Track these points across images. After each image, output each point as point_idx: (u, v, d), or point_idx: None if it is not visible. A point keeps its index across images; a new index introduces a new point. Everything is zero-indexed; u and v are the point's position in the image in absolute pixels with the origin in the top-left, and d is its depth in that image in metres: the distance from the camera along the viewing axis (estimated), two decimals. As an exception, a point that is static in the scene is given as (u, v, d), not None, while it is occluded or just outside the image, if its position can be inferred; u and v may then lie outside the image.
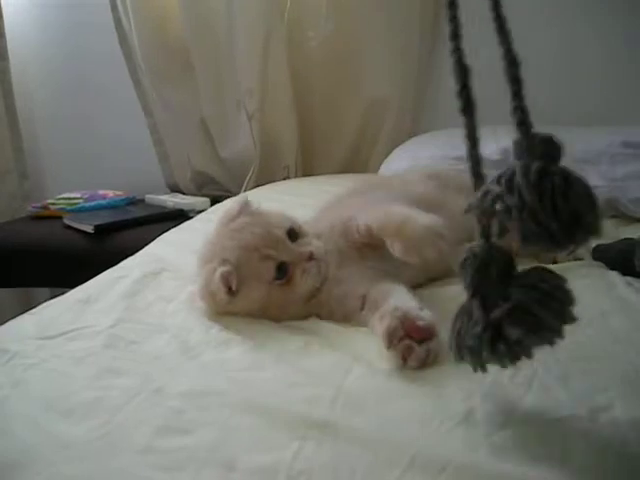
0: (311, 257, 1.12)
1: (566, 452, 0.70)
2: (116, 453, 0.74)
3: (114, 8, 2.75)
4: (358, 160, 2.78)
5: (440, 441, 0.73)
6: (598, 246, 1.38)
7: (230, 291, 1.09)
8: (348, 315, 1.11)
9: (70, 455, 0.74)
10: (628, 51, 2.39)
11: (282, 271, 1.11)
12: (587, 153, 1.91)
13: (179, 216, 2.44)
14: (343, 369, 0.91)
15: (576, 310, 1.10)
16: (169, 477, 0.69)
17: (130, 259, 1.52)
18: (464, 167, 1.87)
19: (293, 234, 1.15)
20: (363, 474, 0.67)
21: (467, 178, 1.55)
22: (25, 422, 0.82)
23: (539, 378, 0.87)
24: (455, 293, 1.19)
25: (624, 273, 1.25)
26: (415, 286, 1.19)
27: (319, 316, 1.13)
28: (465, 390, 0.84)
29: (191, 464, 0.71)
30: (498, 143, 1.98)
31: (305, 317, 1.13)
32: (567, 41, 2.46)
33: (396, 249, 1.06)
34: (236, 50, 2.64)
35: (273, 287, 1.11)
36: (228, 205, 1.23)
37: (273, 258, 1.11)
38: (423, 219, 1.06)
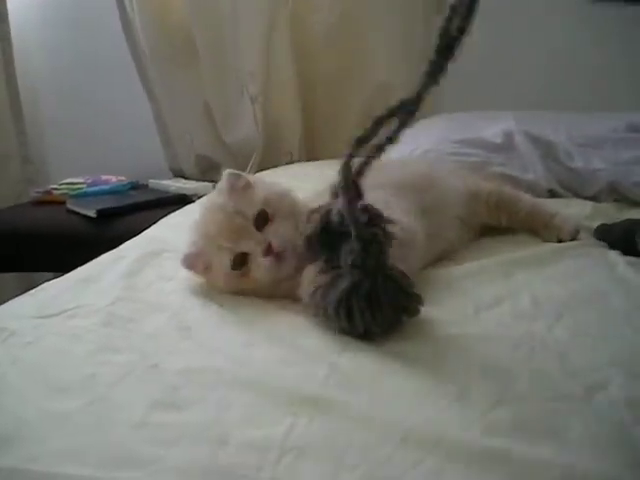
0: (269, 250, 1.08)
1: (561, 430, 0.70)
2: (110, 428, 0.74)
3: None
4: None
5: (434, 418, 0.73)
6: (600, 226, 1.38)
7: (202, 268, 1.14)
8: None
9: (64, 430, 0.74)
10: (633, 38, 2.38)
11: (238, 263, 1.10)
12: (590, 138, 1.90)
13: (182, 201, 2.42)
14: (337, 347, 0.91)
15: (577, 290, 1.11)
16: (162, 451, 0.69)
17: (131, 241, 1.52)
18: (466, 150, 1.89)
19: (262, 219, 1.11)
20: (356, 450, 0.67)
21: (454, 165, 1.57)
22: (21, 398, 0.83)
23: (536, 356, 0.87)
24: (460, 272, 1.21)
25: (625, 253, 1.25)
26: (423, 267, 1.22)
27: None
28: (460, 368, 0.84)
29: (184, 439, 0.71)
30: (501, 127, 1.98)
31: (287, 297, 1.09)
32: (573, 29, 2.45)
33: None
34: (240, 34, 2.63)
35: (233, 276, 1.11)
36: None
37: (229, 249, 1.10)
38: None
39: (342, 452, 0.67)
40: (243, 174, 1.18)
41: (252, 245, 1.09)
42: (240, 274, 1.11)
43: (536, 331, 0.95)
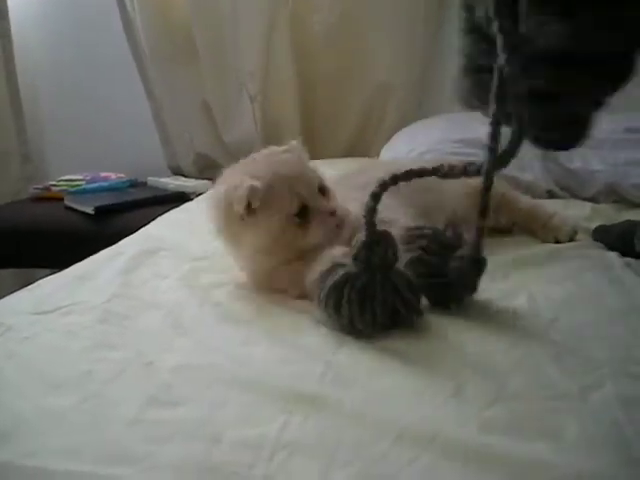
0: (333, 214, 1.12)
1: (556, 429, 0.70)
2: (104, 424, 0.74)
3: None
4: (361, 144, 2.77)
5: (429, 415, 0.73)
6: (598, 227, 1.38)
7: (249, 209, 1.08)
8: None
9: (59, 426, 0.74)
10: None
11: (303, 213, 1.11)
12: (589, 138, 1.90)
13: (180, 199, 2.40)
14: (334, 345, 0.91)
15: (574, 290, 1.11)
16: (156, 448, 0.69)
17: (128, 238, 1.52)
18: (465, 150, 1.89)
19: (323, 190, 1.15)
20: (350, 447, 0.67)
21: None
22: (16, 394, 0.83)
23: (532, 356, 0.87)
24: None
25: (623, 254, 1.25)
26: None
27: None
28: (456, 366, 0.84)
29: (178, 436, 0.71)
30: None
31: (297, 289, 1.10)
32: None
33: None
34: (240, 34, 2.63)
35: (289, 224, 1.11)
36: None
37: (302, 197, 1.11)
38: None
39: (336, 449, 0.67)
40: None
41: (321, 204, 1.12)
42: (298, 224, 1.11)
43: (533, 331, 0.95)
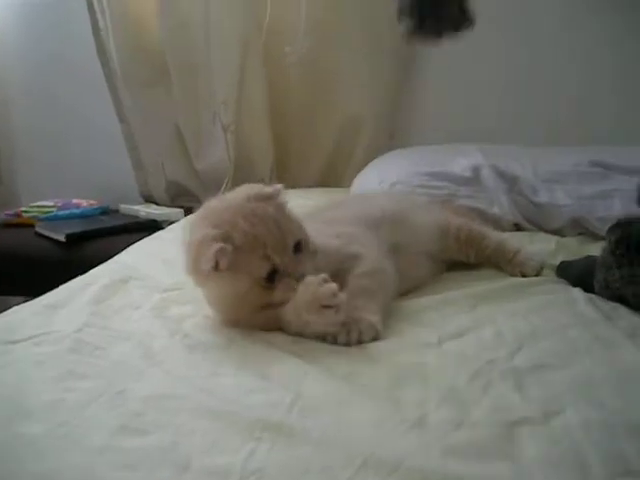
0: (301, 278, 1.08)
1: (518, 453, 0.72)
2: (74, 451, 0.75)
3: (91, 12, 2.75)
4: (333, 175, 2.78)
5: (393, 443, 0.75)
6: (562, 263, 1.41)
7: (216, 267, 1.06)
8: None
9: (27, 453, 0.75)
10: (599, 71, 2.45)
11: (272, 276, 1.09)
12: (555, 173, 1.94)
13: (152, 227, 2.42)
14: (301, 375, 0.93)
15: (538, 323, 1.13)
16: (124, 475, 0.70)
17: (99, 267, 1.52)
18: (434, 183, 1.92)
19: (298, 247, 1.13)
20: (315, 474, 0.69)
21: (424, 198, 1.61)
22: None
23: (495, 384, 0.89)
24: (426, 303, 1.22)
25: (586, 290, 1.27)
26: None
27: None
28: (419, 396, 0.86)
29: (146, 464, 0.72)
30: (469, 161, 2.01)
31: (266, 328, 1.11)
32: (538, 62, 2.51)
33: None
34: (213, 61, 2.65)
35: (256, 285, 1.09)
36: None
37: (273, 262, 1.09)
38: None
39: (301, 476, 0.68)
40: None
41: (291, 268, 1.10)
42: (266, 287, 1.10)
43: (497, 361, 0.97)
